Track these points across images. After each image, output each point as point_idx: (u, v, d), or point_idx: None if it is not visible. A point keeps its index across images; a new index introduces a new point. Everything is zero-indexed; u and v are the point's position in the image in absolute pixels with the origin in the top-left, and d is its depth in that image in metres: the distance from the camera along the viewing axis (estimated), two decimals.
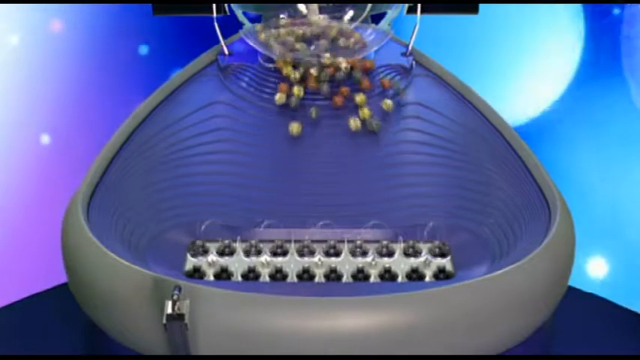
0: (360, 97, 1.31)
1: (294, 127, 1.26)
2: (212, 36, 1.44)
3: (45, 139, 1.80)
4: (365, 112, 1.28)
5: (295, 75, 1.33)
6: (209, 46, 1.45)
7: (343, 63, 1.35)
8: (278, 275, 1.08)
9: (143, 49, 1.88)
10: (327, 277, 1.08)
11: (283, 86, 1.31)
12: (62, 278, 1.11)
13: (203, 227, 1.12)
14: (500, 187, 1.18)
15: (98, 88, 1.84)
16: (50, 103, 1.82)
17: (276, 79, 1.35)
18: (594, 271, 1.74)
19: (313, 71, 1.34)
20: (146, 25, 1.84)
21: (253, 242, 1.11)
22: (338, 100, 1.31)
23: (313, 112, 1.28)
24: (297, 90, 1.31)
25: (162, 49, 1.88)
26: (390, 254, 1.11)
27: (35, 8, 1.81)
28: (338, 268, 1.08)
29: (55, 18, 1.83)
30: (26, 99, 1.82)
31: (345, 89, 1.32)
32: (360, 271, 1.08)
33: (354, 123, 1.27)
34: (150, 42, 1.88)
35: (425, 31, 1.44)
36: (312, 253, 1.10)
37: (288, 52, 1.36)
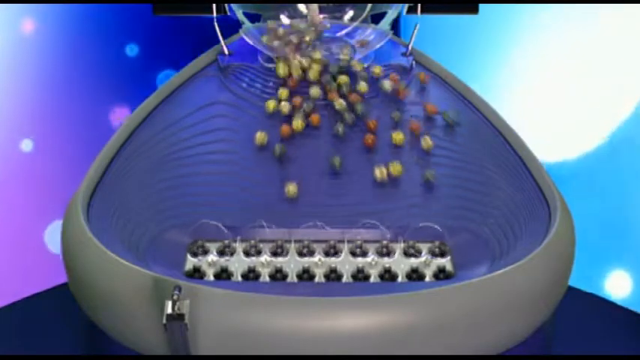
0: (398, 136, 1.23)
1: (291, 189, 1.17)
2: (209, 37, 1.43)
3: (27, 144, 1.79)
4: (396, 167, 1.18)
5: (286, 108, 1.27)
6: (204, 48, 1.44)
7: (386, 84, 1.30)
8: (278, 275, 1.08)
9: (132, 50, 1.87)
10: (327, 277, 1.07)
11: (285, 128, 1.25)
12: (61, 278, 1.11)
13: (195, 225, 1.11)
14: (500, 187, 1.18)
15: (85, 90, 1.82)
16: (33, 107, 1.81)
17: (277, 79, 1.35)
18: (614, 288, 1.74)
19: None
20: (135, 25, 1.83)
21: (253, 242, 1.11)
22: (369, 138, 1.23)
23: (337, 162, 1.21)
24: (296, 124, 1.25)
25: (152, 50, 1.87)
26: (390, 254, 1.11)
27: (14, 8, 1.78)
28: (338, 268, 1.08)
29: (32, 18, 1.81)
30: (7, 104, 1.80)
31: (373, 123, 1.25)
32: (360, 271, 1.08)
33: (380, 174, 1.18)
34: (139, 42, 1.87)
35: (425, 31, 1.44)
36: (311, 253, 1.10)
37: (286, 49, 1.36)
